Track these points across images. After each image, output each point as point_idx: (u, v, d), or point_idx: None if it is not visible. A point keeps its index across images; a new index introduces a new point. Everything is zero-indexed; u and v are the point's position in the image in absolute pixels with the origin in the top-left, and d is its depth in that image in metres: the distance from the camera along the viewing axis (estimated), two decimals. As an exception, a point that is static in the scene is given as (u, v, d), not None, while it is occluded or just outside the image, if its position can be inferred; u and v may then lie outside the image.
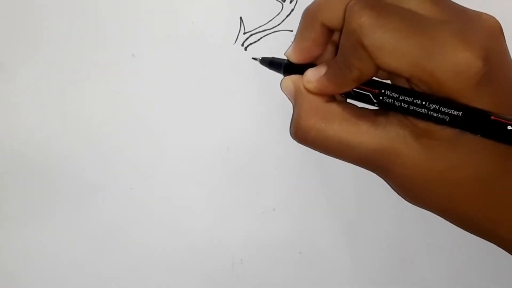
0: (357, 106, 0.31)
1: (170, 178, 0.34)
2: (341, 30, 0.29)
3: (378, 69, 0.28)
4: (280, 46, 0.34)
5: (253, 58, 0.34)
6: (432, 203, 0.31)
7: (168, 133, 0.34)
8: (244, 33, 0.34)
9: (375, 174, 0.33)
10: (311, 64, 0.32)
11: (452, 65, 0.27)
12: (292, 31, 0.34)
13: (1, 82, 0.33)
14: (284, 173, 0.35)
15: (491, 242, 0.32)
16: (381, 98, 0.29)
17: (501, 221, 0.30)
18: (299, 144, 0.34)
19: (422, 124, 0.28)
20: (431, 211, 0.32)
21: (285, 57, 0.33)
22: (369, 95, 0.30)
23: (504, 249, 0.32)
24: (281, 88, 0.33)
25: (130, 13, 0.33)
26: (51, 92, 0.33)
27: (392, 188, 0.32)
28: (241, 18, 0.34)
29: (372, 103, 0.30)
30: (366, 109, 0.31)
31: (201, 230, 0.35)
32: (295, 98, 0.32)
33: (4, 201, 0.34)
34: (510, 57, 0.30)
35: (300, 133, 0.31)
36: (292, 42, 0.33)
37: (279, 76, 0.34)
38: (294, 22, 0.34)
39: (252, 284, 0.35)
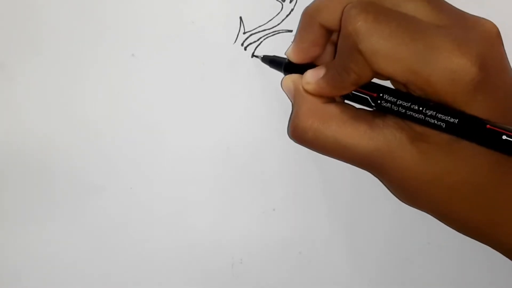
0: (355, 108, 0.31)
1: (170, 178, 0.34)
2: (339, 31, 0.29)
3: (375, 73, 0.28)
4: (280, 46, 0.34)
5: (254, 56, 0.34)
6: (426, 205, 0.31)
7: (168, 133, 0.34)
8: (244, 32, 0.34)
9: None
10: (311, 64, 0.32)
11: (447, 72, 0.27)
12: (291, 31, 0.34)
13: (1, 81, 0.33)
14: (284, 173, 0.35)
15: (485, 244, 0.32)
16: (379, 102, 0.29)
17: (494, 224, 0.30)
18: (299, 144, 0.34)
19: (419, 128, 0.28)
20: (426, 212, 0.32)
21: (286, 56, 0.33)
22: (367, 98, 0.30)
23: (498, 251, 0.32)
24: (281, 87, 0.33)
25: (130, 13, 0.33)
26: (51, 91, 0.34)
27: (387, 188, 0.32)
28: (241, 18, 0.34)
29: (370, 106, 0.30)
30: (364, 110, 0.31)
31: (201, 230, 0.35)
32: (294, 98, 0.32)
33: (4, 201, 0.34)
34: (508, 62, 0.30)
35: (298, 133, 0.31)
36: (292, 42, 0.33)
37: (279, 76, 0.34)
38: (293, 22, 0.34)
39: (252, 284, 0.35)
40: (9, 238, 0.34)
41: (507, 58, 0.29)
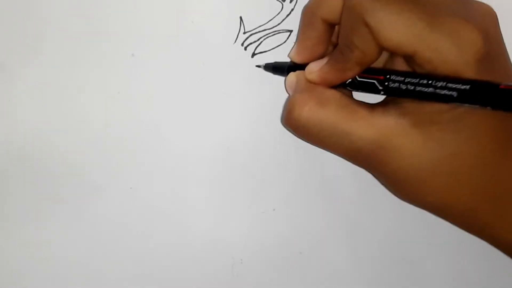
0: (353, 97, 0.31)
1: (170, 178, 0.34)
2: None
3: (381, 49, 0.28)
4: (280, 46, 0.34)
5: (256, 66, 0.34)
6: (428, 197, 0.30)
7: (168, 133, 0.34)
8: (244, 32, 0.34)
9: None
10: None
11: (456, 40, 0.26)
12: (292, 31, 0.34)
13: (1, 82, 0.33)
14: (284, 173, 0.35)
15: (486, 240, 0.31)
16: (386, 84, 0.28)
17: (498, 215, 0.29)
18: (299, 144, 0.34)
19: (424, 110, 0.28)
20: (425, 208, 0.31)
21: (287, 60, 0.33)
22: (374, 82, 0.29)
23: (498, 247, 0.31)
24: (285, 87, 0.32)
25: (130, 13, 0.33)
26: (51, 92, 0.34)
27: (383, 184, 0.32)
28: (241, 17, 0.34)
29: (378, 91, 0.29)
30: (364, 102, 0.30)
31: (201, 230, 0.35)
32: (295, 89, 0.31)
33: (4, 201, 0.34)
34: (505, 46, 0.30)
35: (292, 117, 0.29)
36: (295, 43, 0.32)
37: (280, 76, 0.34)
38: (294, 22, 0.34)
39: (252, 284, 0.35)
40: (9, 238, 0.34)
41: (504, 42, 0.29)
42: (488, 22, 0.28)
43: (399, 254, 0.35)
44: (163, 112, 0.34)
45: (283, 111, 0.31)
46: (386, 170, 0.29)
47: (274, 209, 0.35)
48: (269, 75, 0.34)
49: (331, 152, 0.30)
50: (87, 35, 0.33)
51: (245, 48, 0.34)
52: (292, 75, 0.31)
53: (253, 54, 0.34)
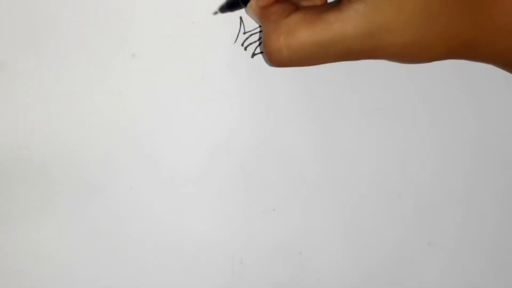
0: (319, 6, 0.30)
1: (170, 178, 0.34)
2: None
3: None
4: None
5: (214, 14, 0.33)
6: (433, 49, 0.28)
7: (168, 133, 0.34)
8: (244, 33, 0.34)
9: (374, 175, 0.33)
10: None
11: None
12: (292, 31, 0.34)
13: (2, 81, 0.33)
14: (284, 173, 0.35)
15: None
16: None
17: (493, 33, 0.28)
18: (300, 144, 0.34)
19: None
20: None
21: None
22: None
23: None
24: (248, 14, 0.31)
25: (130, 13, 0.33)
26: (52, 91, 0.34)
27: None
28: (241, 18, 0.34)
29: None
30: (329, 4, 0.29)
31: (201, 230, 0.35)
32: (261, 23, 0.30)
33: (4, 201, 0.34)
34: None
35: (274, 57, 0.29)
36: None
37: (280, 75, 0.34)
38: (294, 22, 0.34)
39: (252, 284, 0.35)
40: (9, 238, 0.34)
41: None
42: None
43: (399, 254, 0.36)
44: (163, 112, 0.34)
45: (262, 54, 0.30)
46: (385, 52, 0.28)
47: (274, 209, 0.35)
48: (270, 75, 0.34)
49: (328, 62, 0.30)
50: (87, 35, 0.33)
51: (245, 49, 0.34)
52: (253, 5, 0.30)
53: (253, 54, 0.34)
